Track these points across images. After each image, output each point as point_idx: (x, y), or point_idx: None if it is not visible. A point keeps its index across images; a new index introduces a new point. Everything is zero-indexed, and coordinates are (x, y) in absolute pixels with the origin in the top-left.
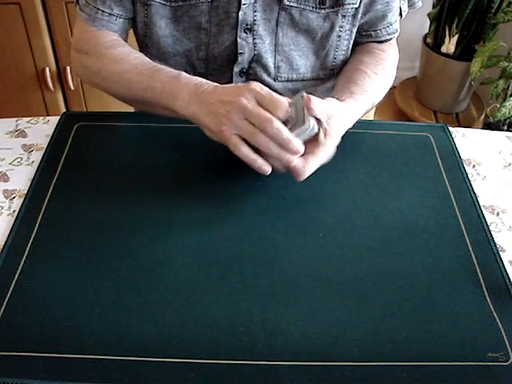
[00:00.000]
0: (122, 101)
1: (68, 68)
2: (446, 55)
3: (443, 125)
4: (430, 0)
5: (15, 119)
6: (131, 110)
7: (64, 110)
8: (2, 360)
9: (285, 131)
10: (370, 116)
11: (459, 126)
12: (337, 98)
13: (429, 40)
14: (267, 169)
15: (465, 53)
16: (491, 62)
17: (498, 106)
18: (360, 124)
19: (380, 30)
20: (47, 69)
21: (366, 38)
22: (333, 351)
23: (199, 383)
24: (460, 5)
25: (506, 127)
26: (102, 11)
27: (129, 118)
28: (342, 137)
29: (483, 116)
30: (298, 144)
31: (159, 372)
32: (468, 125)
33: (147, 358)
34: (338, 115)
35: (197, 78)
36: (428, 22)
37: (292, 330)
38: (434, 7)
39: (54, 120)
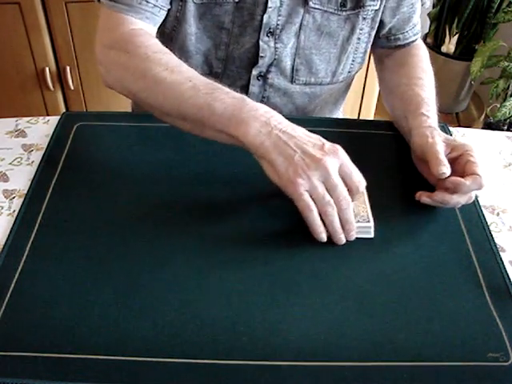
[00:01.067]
0: (159, 115)
1: (68, 68)
2: (446, 55)
3: (443, 125)
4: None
5: (15, 119)
6: (131, 110)
7: (64, 110)
8: (2, 360)
9: (353, 216)
10: (370, 116)
11: (459, 126)
12: (420, 123)
13: (429, 40)
14: (324, 238)
15: (465, 53)
16: (491, 61)
17: (498, 105)
18: (360, 124)
19: (407, 31)
20: (47, 69)
21: (395, 41)
22: (333, 351)
23: (199, 383)
24: (460, 5)
25: (506, 127)
26: (147, 2)
27: (129, 118)
28: (342, 137)
29: (483, 116)
30: (355, 233)
31: (159, 372)
32: (468, 125)
33: (147, 358)
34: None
35: (262, 105)
36: (428, 22)
37: (292, 329)
38: (434, 7)
39: (54, 120)
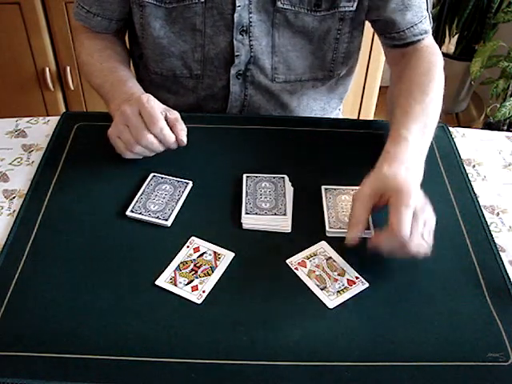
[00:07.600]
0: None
1: (68, 68)
2: (446, 55)
3: (443, 125)
4: None
5: (15, 119)
6: None
7: (64, 110)
8: (2, 360)
9: (148, 143)
10: (370, 116)
11: (459, 126)
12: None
13: None
14: (127, 155)
15: (465, 53)
16: (491, 61)
17: (498, 105)
18: (361, 124)
19: (403, 31)
20: (47, 69)
21: (391, 40)
22: (333, 351)
23: (199, 383)
24: (460, 5)
25: (506, 127)
26: (82, 7)
27: None
28: (342, 137)
29: (483, 116)
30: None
31: (159, 372)
32: (468, 125)
33: (147, 358)
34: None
35: (138, 89)
36: None
37: (292, 330)
38: (433, 7)
39: (54, 120)
